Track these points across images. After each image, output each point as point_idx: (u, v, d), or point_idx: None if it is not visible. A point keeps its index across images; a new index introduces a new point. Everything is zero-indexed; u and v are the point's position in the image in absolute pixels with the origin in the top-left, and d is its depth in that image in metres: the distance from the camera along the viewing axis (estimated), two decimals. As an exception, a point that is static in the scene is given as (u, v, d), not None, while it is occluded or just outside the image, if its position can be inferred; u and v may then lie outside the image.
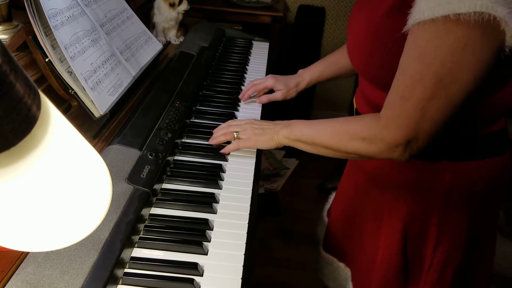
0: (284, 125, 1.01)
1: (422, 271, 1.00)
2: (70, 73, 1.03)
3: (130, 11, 1.34)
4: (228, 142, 1.10)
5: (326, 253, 1.22)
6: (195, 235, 0.85)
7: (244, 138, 1.06)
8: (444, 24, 0.71)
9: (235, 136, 1.07)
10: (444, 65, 0.73)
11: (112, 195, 0.39)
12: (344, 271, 1.17)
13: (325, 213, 1.32)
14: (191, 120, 1.23)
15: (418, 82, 0.75)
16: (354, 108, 1.06)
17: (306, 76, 1.29)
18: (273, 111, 1.39)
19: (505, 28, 0.70)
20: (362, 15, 0.91)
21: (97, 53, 1.11)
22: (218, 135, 1.10)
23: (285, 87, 1.29)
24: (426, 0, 0.73)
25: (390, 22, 0.81)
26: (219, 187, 1.00)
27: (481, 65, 0.73)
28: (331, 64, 1.27)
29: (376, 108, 0.91)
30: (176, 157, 1.08)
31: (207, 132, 1.18)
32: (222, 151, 1.08)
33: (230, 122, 1.12)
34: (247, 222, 0.90)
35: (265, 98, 1.31)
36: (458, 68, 0.73)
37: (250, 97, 1.35)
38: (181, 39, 1.64)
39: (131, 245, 0.80)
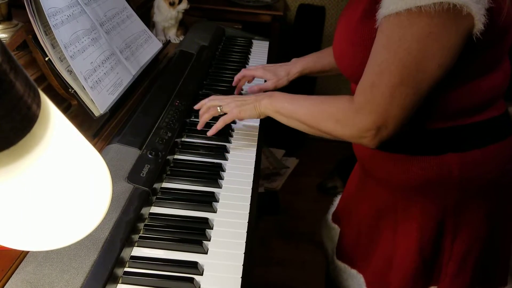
0: (266, 95, 1.04)
1: (442, 264, 1.00)
2: (70, 72, 1.03)
3: (130, 10, 1.34)
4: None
5: (339, 261, 1.22)
6: (195, 234, 0.85)
7: (227, 112, 1.08)
8: (407, 16, 0.75)
9: (219, 110, 1.09)
10: (410, 53, 0.76)
11: (112, 194, 0.39)
12: (357, 277, 1.17)
13: (329, 217, 1.31)
14: (191, 119, 1.23)
15: (385, 69, 0.79)
16: None
17: (299, 65, 1.30)
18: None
19: (470, 12, 0.73)
20: (340, 25, 0.95)
21: (97, 52, 1.11)
22: (203, 114, 1.12)
23: (274, 76, 1.30)
24: None
25: (366, 24, 0.85)
26: (219, 186, 1.00)
27: (446, 52, 0.76)
28: (325, 56, 1.28)
29: None
30: (176, 156, 1.08)
31: (208, 131, 1.18)
32: (209, 132, 1.11)
33: (212, 97, 1.14)
34: (247, 221, 0.90)
35: (256, 88, 1.32)
36: (424, 55, 0.76)
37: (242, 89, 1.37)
38: (181, 38, 1.64)
39: (131, 244, 0.80)
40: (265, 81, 1.34)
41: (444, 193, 0.94)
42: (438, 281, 1.02)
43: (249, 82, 1.37)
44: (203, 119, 1.12)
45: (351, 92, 1.05)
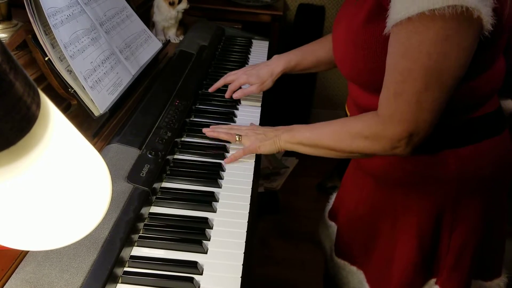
0: (286, 129, 1.03)
1: (440, 257, 1.01)
2: (70, 72, 1.03)
3: (129, 10, 1.34)
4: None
5: (338, 258, 1.22)
6: (194, 233, 0.85)
7: (248, 144, 1.07)
8: (421, 21, 0.75)
9: (237, 139, 1.09)
10: (430, 58, 0.76)
11: (112, 194, 0.40)
12: (357, 273, 1.17)
13: (326, 214, 1.31)
14: (191, 119, 1.23)
15: (408, 77, 0.79)
16: (348, 116, 1.07)
17: (281, 63, 1.27)
18: (273, 110, 1.39)
19: (480, 15, 0.74)
20: (341, 27, 0.95)
21: (97, 52, 1.11)
22: (220, 132, 1.11)
23: (258, 79, 1.28)
24: (400, 1, 0.76)
25: (371, 27, 0.85)
26: (219, 186, 1.00)
27: (465, 52, 0.77)
28: (308, 52, 1.26)
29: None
30: (175, 156, 1.08)
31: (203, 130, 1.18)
32: (227, 160, 1.07)
33: (231, 125, 1.14)
34: (247, 220, 0.91)
35: (240, 93, 1.30)
36: (444, 58, 0.76)
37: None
38: (181, 38, 1.64)
39: (130, 244, 0.80)
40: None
41: (441, 189, 0.95)
42: (437, 274, 1.03)
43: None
44: (219, 136, 1.10)
45: (348, 90, 1.05)
